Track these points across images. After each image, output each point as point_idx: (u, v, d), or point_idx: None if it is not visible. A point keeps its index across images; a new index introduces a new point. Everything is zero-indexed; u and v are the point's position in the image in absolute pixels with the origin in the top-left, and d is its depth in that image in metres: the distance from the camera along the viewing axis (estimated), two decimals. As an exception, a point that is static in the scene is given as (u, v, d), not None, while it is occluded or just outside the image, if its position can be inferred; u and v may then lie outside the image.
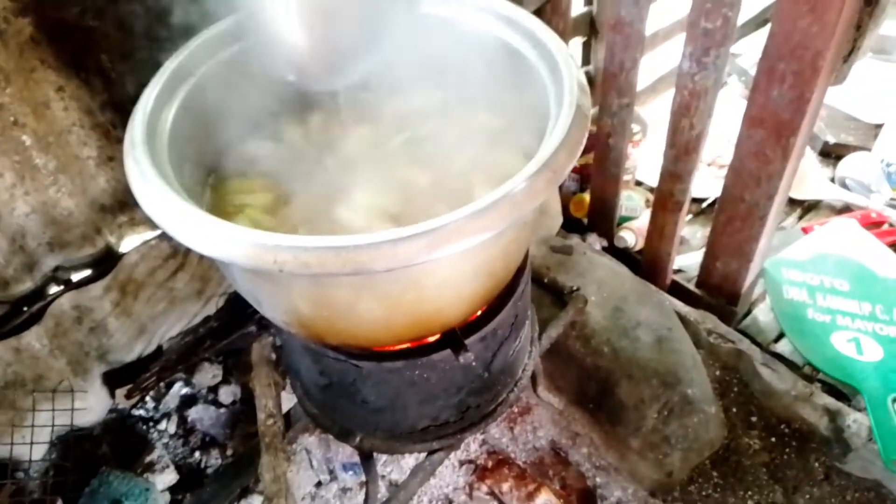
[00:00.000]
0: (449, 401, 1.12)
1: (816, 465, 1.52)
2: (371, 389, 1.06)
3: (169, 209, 0.77)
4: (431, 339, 1.03)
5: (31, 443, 1.43)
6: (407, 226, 0.72)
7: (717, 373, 1.64)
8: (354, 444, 1.18)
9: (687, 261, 1.96)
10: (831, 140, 2.31)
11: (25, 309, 1.45)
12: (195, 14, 1.22)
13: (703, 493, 1.52)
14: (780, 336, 1.75)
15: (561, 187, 2.00)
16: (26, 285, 1.41)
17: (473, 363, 1.07)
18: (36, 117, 1.25)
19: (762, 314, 1.82)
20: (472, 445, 1.63)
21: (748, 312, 1.83)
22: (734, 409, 1.60)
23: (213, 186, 1.05)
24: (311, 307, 0.87)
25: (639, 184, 2.17)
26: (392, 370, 1.02)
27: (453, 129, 1.08)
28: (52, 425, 1.46)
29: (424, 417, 1.14)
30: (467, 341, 1.01)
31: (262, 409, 1.19)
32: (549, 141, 0.81)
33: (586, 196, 1.99)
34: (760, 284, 1.84)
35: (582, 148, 0.83)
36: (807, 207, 2.17)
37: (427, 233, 0.72)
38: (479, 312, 1.06)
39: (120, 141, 1.36)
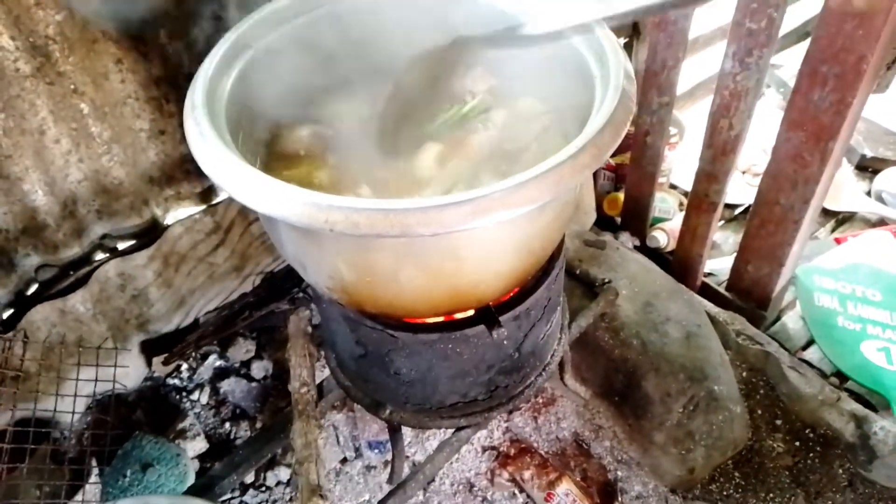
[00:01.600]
0: (479, 378, 1.14)
1: (840, 471, 1.52)
2: (404, 361, 1.09)
3: (227, 167, 0.80)
4: (466, 314, 1.06)
5: (74, 400, 1.47)
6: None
7: (744, 374, 1.65)
8: (384, 417, 1.21)
9: (718, 265, 1.96)
10: (869, 154, 2.30)
11: (72, 273, 1.50)
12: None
13: (724, 493, 1.52)
14: (809, 344, 1.75)
15: (596, 185, 2.02)
16: (74, 250, 1.46)
17: (505, 341, 1.10)
18: (94, 87, 1.30)
19: (792, 321, 1.81)
20: (495, 433, 1.66)
21: (777, 318, 1.83)
22: (759, 411, 1.60)
23: (263, 159, 1.09)
24: (355, 272, 0.90)
25: (673, 187, 2.18)
26: (426, 342, 1.05)
27: (500, 113, 1.11)
28: (92, 390, 1.50)
29: (454, 393, 1.16)
30: (501, 319, 1.04)
31: (297, 377, 1.22)
32: (594, 120, 0.84)
33: (620, 195, 2.01)
34: (791, 292, 1.84)
35: (626, 129, 0.85)
36: (841, 219, 2.17)
37: (472, 200, 0.74)
38: (513, 292, 1.08)
39: (172, 115, 1.43)
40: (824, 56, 1.29)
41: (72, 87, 1.28)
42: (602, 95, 0.89)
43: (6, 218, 1.33)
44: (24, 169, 1.29)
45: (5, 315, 1.42)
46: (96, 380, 1.47)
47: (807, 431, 1.56)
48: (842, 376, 1.64)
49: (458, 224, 0.74)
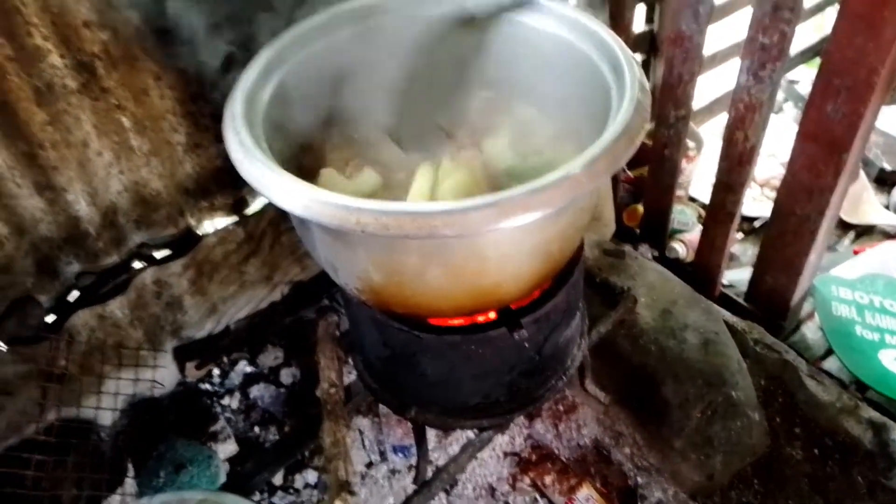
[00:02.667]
0: (500, 379, 1.19)
1: (860, 479, 1.53)
2: (430, 362, 1.14)
3: (265, 174, 0.86)
4: (489, 316, 1.10)
5: (113, 406, 1.53)
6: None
7: (763, 382, 1.66)
8: (410, 417, 1.25)
9: (737, 276, 1.99)
10: (887, 167, 2.31)
11: (111, 280, 1.57)
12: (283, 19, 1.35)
13: (743, 500, 1.54)
14: (828, 353, 1.76)
15: (615, 197, 2.05)
16: (113, 259, 1.53)
17: (526, 343, 1.14)
18: (136, 102, 1.38)
19: (810, 331, 1.83)
20: (517, 439, 1.69)
21: (796, 328, 1.85)
22: (778, 419, 1.62)
23: (298, 164, 1.15)
24: (383, 273, 0.96)
25: (692, 199, 2.22)
26: (451, 343, 1.10)
27: (517, 123, 1.17)
28: (129, 393, 1.57)
29: (476, 394, 1.21)
30: (522, 321, 1.08)
31: (326, 379, 1.27)
32: (609, 129, 0.89)
33: (640, 207, 2.04)
34: (809, 303, 1.86)
35: (640, 139, 0.90)
36: (860, 232, 2.18)
37: (495, 203, 0.79)
38: (534, 295, 1.12)
39: (207, 129, 1.50)
40: (836, 69, 1.32)
41: (115, 102, 1.35)
42: (618, 106, 0.94)
43: (51, 227, 1.40)
44: (69, 180, 1.37)
45: (48, 319, 1.49)
46: (136, 380, 1.53)
47: (826, 439, 1.58)
48: (861, 385, 1.65)
49: (481, 226, 0.79)
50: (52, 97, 1.27)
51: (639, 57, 2.06)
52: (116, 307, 1.54)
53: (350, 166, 1.14)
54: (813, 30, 2.65)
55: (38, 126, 1.27)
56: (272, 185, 0.84)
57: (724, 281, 1.92)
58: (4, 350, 1.40)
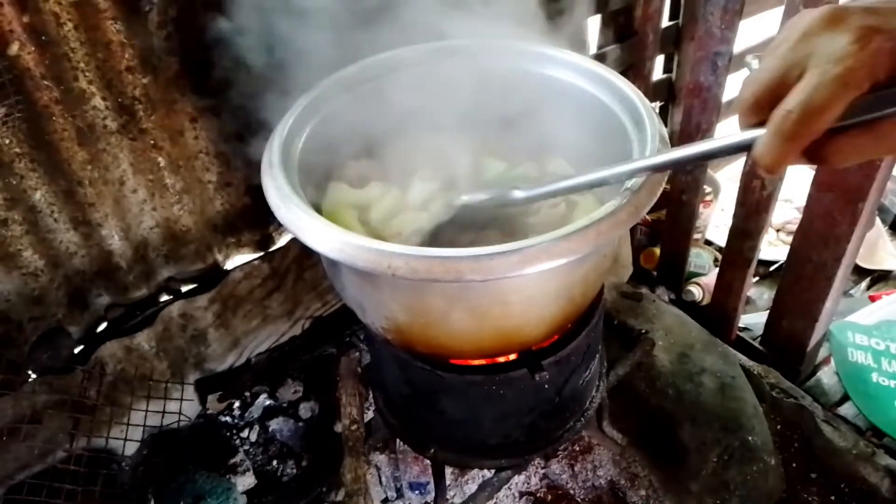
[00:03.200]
0: (520, 420, 1.21)
1: (877, 527, 1.53)
2: (451, 401, 1.16)
3: (303, 219, 0.89)
4: (510, 357, 1.13)
5: (137, 437, 1.56)
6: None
7: (779, 427, 1.67)
8: (429, 455, 1.27)
9: (753, 320, 2.01)
10: (904, 214, 2.34)
11: (139, 313, 1.61)
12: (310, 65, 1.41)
13: (760, 546, 1.54)
14: (844, 399, 1.77)
15: (633, 240, 2.09)
16: (142, 292, 1.58)
17: (546, 385, 1.16)
18: (171, 143, 1.43)
19: (826, 377, 1.84)
20: (532, 479, 1.70)
21: (812, 374, 1.86)
22: (794, 464, 1.62)
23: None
24: (410, 314, 0.99)
25: (708, 243, 2.24)
26: (472, 383, 1.12)
27: (541, 174, 1.21)
28: (154, 424, 1.59)
29: (496, 434, 1.23)
30: (543, 363, 1.11)
31: (347, 415, 1.30)
32: (631, 181, 0.92)
33: (657, 250, 2.07)
34: (825, 348, 1.87)
35: (660, 189, 0.93)
36: (876, 278, 2.20)
37: (521, 250, 0.82)
38: (555, 338, 1.15)
39: (238, 169, 1.54)
40: (851, 121, 1.35)
41: (151, 142, 1.40)
42: (639, 157, 0.98)
43: (84, 261, 1.45)
44: (104, 216, 1.41)
45: (77, 350, 1.53)
46: (162, 413, 1.56)
47: (842, 486, 1.58)
48: (879, 432, 1.66)
49: (506, 271, 0.83)
50: (92, 137, 1.33)
51: (657, 104, 2.11)
52: (143, 339, 1.58)
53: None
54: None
55: (79, 164, 1.33)
56: (308, 229, 0.88)
57: (741, 324, 1.94)
58: (35, 379, 1.44)
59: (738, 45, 1.57)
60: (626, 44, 1.83)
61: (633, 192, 0.89)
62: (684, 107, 1.68)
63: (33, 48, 1.18)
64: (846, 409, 1.74)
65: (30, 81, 1.21)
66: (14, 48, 1.16)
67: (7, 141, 1.24)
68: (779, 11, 1.39)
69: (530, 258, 0.83)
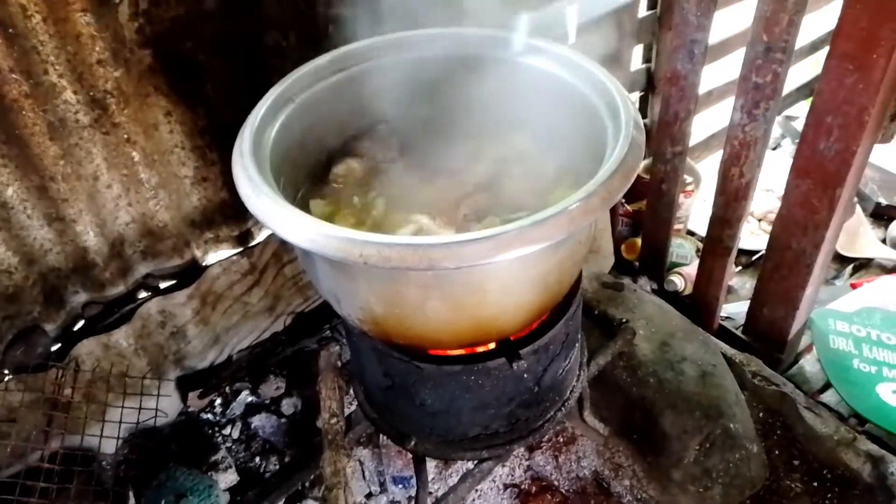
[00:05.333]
0: (500, 410, 1.20)
1: (859, 511, 1.54)
2: (429, 392, 1.16)
3: (272, 209, 0.88)
4: (489, 347, 1.12)
5: (116, 434, 1.54)
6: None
7: (761, 415, 1.67)
8: (409, 448, 1.26)
9: (735, 309, 2.01)
10: (884, 202, 2.35)
11: (116, 310, 1.60)
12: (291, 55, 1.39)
13: (743, 533, 1.54)
14: (826, 387, 1.78)
15: (614, 231, 2.08)
16: (119, 289, 1.56)
17: (525, 374, 1.16)
18: (146, 137, 1.41)
19: (809, 364, 1.85)
20: (517, 471, 1.70)
21: (794, 362, 1.86)
22: (776, 452, 1.62)
23: (300, 203, 1.18)
24: (384, 304, 0.98)
25: (691, 233, 2.25)
26: (450, 373, 1.12)
27: (518, 162, 1.20)
28: (131, 422, 1.58)
29: (476, 425, 1.22)
30: (521, 352, 1.10)
31: (327, 409, 1.29)
32: (605, 166, 0.92)
33: (638, 240, 2.07)
34: (807, 336, 1.88)
35: (634, 175, 0.93)
36: (857, 266, 2.21)
37: (493, 237, 0.82)
38: (533, 327, 1.14)
39: (214, 163, 1.53)
40: (828, 108, 1.36)
41: (125, 136, 1.39)
42: (613, 144, 0.97)
43: (59, 257, 1.43)
44: (78, 212, 1.40)
45: (54, 348, 1.51)
46: (139, 409, 1.54)
47: (824, 472, 1.58)
48: (861, 419, 1.66)
49: (479, 258, 0.82)
50: (64, 132, 1.31)
51: (637, 94, 2.11)
52: (121, 336, 1.56)
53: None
54: (811, 67, 2.70)
55: (51, 159, 1.31)
56: (278, 218, 0.87)
57: (723, 314, 1.94)
58: (10, 378, 1.42)
59: (715, 35, 1.57)
60: (605, 33, 1.83)
61: (606, 179, 0.89)
62: (662, 95, 1.68)
63: (0, 41, 1.16)
64: (829, 397, 1.75)
65: (-3, 75, 1.19)
66: (-20, 41, 1.15)
67: (-24, 137, 1.22)
68: (754, 3, 1.39)
69: (503, 245, 0.82)
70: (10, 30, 1.17)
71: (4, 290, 1.38)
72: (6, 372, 1.42)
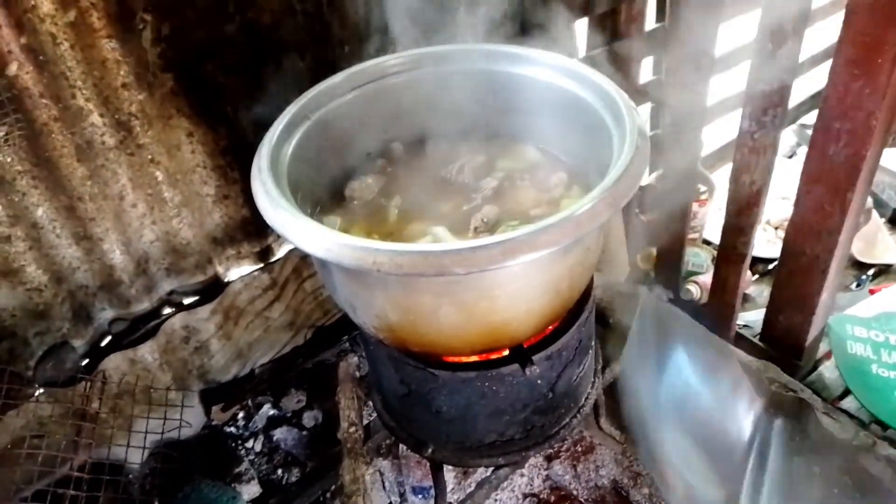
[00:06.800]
0: (515, 417, 1.22)
1: (881, 518, 1.52)
2: (445, 399, 1.18)
3: (290, 220, 0.92)
4: (502, 353, 1.15)
5: (142, 446, 1.58)
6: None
7: (779, 422, 1.67)
8: (427, 455, 1.29)
9: (753, 317, 2.01)
10: (902, 207, 2.34)
11: (142, 326, 1.64)
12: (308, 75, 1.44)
13: (764, 540, 1.54)
14: (846, 393, 1.77)
15: (629, 241, 2.10)
16: (144, 305, 1.60)
17: (539, 380, 1.18)
18: (169, 157, 1.47)
19: (828, 371, 1.84)
20: (535, 480, 1.71)
21: (813, 369, 1.86)
22: (795, 458, 1.62)
23: (317, 218, 1.22)
24: (399, 312, 1.01)
25: (706, 242, 2.25)
26: (465, 380, 1.14)
27: (528, 173, 1.23)
28: (156, 435, 1.61)
29: (492, 432, 1.24)
30: (534, 358, 1.12)
31: (346, 418, 1.32)
32: (611, 173, 0.94)
33: (653, 250, 2.08)
34: (825, 343, 1.87)
35: (639, 182, 0.96)
36: (876, 272, 2.20)
37: (502, 243, 0.85)
38: (545, 333, 1.17)
39: (235, 182, 1.58)
40: (835, 113, 1.37)
41: (149, 157, 1.44)
42: (619, 152, 1.00)
43: (87, 275, 1.48)
44: (105, 230, 1.45)
45: (81, 363, 1.56)
46: (164, 420, 1.58)
47: (844, 478, 1.57)
48: (882, 424, 1.65)
49: (489, 264, 0.85)
50: (91, 153, 1.36)
51: (647, 106, 2.13)
52: (147, 351, 1.61)
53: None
54: (826, 75, 2.70)
55: (79, 180, 1.36)
56: (295, 230, 0.91)
57: (740, 322, 1.94)
58: (41, 392, 1.47)
59: (724, 46, 1.59)
60: (614, 47, 1.86)
61: (611, 185, 0.91)
62: (672, 106, 1.70)
63: (31, 68, 1.22)
64: (848, 403, 1.74)
65: (29, 100, 1.25)
66: (13, 68, 1.20)
67: (9, 159, 1.27)
68: (757, 14, 1.41)
69: (512, 250, 0.85)
70: (41, 57, 1.22)
71: (35, 307, 1.43)
72: (37, 386, 1.47)
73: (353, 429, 1.30)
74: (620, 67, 1.83)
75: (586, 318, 1.22)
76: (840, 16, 1.35)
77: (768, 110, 1.47)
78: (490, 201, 1.20)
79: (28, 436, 1.35)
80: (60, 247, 1.41)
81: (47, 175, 1.33)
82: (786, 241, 1.63)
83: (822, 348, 1.88)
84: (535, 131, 1.27)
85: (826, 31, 2.24)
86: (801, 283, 1.64)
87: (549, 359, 1.16)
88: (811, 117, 2.74)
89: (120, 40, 1.30)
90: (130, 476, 1.63)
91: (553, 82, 1.21)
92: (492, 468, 1.33)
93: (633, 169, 0.95)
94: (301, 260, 1.78)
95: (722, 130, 2.41)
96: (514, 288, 0.97)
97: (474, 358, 1.15)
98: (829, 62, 1.32)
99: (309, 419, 1.82)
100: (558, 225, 0.87)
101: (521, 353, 1.12)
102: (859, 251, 2.17)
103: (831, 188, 1.46)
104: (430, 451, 1.28)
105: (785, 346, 1.79)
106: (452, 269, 0.84)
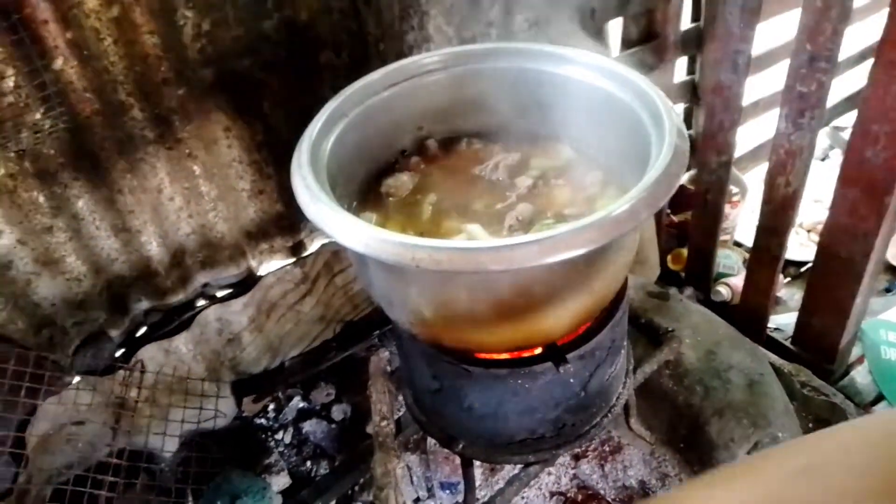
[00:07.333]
0: (546, 415, 1.22)
1: (913, 526, 1.50)
2: (477, 395, 1.19)
3: (330, 215, 0.93)
4: (536, 351, 1.15)
5: (176, 435, 1.61)
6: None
7: (810, 425, 1.66)
8: (457, 451, 1.29)
9: (784, 320, 2.00)
10: (938, 212, 2.30)
11: (176, 317, 1.67)
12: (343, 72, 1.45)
13: (793, 545, 1.52)
14: (878, 399, 1.75)
15: (660, 241, 2.09)
16: (179, 297, 1.63)
17: (571, 379, 1.18)
18: (206, 151, 1.49)
19: (860, 376, 1.82)
20: (563, 479, 1.71)
21: (846, 373, 1.84)
22: (827, 463, 1.60)
23: (359, 204, 1.24)
24: (434, 308, 1.02)
25: (737, 244, 2.24)
26: (498, 377, 1.15)
27: (563, 172, 1.23)
28: (190, 425, 1.64)
29: (523, 429, 1.24)
30: (568, 356, 1.12)
31: (377, 412, 1.33)
32: (649, 173, 0.94)
33: (684, 251, 2.08)
34: (858, 348, 1.85)
35: (678, 182, 0.95)
36: (913, 276, 2.17)
37: (541, 241, 0.85)
38: (580, 331, 1.17)
39: (270, 177, 1.60)
40: (874, 116, 1.36)
41: (187, 151, 1.46)
42: (657, 152, 1.00)
43: (124, 266, 1.51)
44: (143, 223, 1.48)
45: (117, 354, 1.59)
46: (200, 409, 1.61)
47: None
48: (915, 431, 1.63)
49: (527, 261, 0.85)
50: (131, 147, 1.39)
51: (681, 106, 2.12)
52: (181, 342, 1.64)
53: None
54: (859, 77, 2.67)
55: (119, 173, 1.39)
56: (335, 224, 0.92)
57: (772, 325, 1.93)
58: (79, 381, 1.50)
59: (758, 47, 1.58)
60: (648, 46, 1.85)
61: (650, 185, 0.91)
62: (706, 106, 1.69)
63: (76, 62, 1.25)
64: (881, 408, 1.72)
65: (73, 94, 1.27)
66: (59, 62, 1.23)
67: (52, 151, 1.30)
68: (797, 13, 1.40)
69: (550, 248, 0.85)
70: (85, 52, 1.25)
71: (74, 297, 1.46)
72: (74, 374, 1.50)
73: (384, 422, 1.31)
74: (654, 67, 1.82)
75: (620, 318, 1.22)
76: (879, 16, 1.34)
77: (805, 112, 1.46)
78: (524, 199, 1.20)
79: (68, 422, 1.38)
80: (99, 238, 1.44)
81: (88, 167, 1.36)
82: (820, 244, 1.62)
83: (855, 353, 1.86)
84: (571, 130, 1.27)
85: (861, 32, 2.21)
86: (836, 286, 1.63)
87: (582, 358, 1.16)
88: (844, 120, 2.71)
89: (161, 36, 1.32)
90: (163, 465, 1.66)
91: (589, 81, 1.20)
92: (521, 465, 1.33)
93: (671, 169, 0.94)
94: (332, 255, 1.80)
95: (754, 131, 2.40)
96: (551, 286, 0.97)
97: (506, 355, 1.16)
98: (865, 64, 1.32)
99: (338, 412, 1.84)
100: (597, 224, 0.86)
101: (556, 352, 1.12)
102: (893, 256, 2.15)
103: (868, 191, 1.45)
104: (460, 446, 1.29)
105: (817, 350, 1.78)
106: (490, 267, 0.85)
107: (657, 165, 0.95)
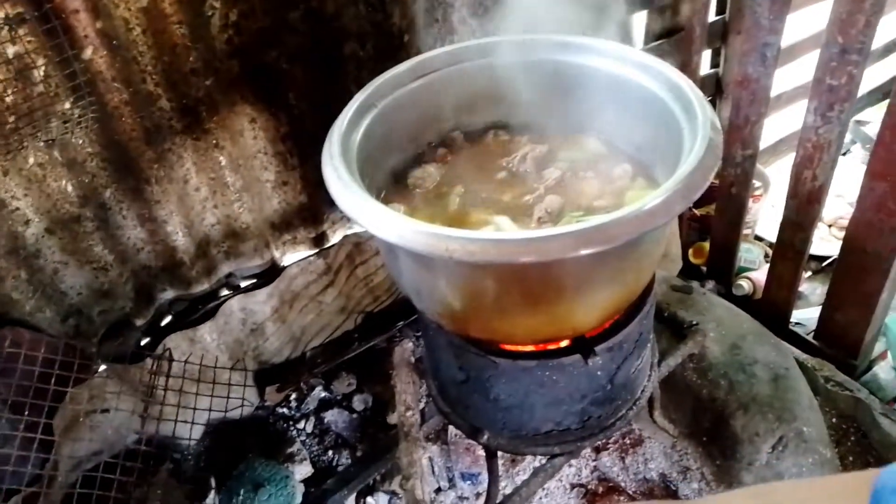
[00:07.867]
0: (572, 407, 1.22)
1: (937, 522, 1.50)
2: (504, 387, 1.19)
3: (362, 206, 0.93)
4: (563, 343, 1.15)
5: (201, 423, 1.62)
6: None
7: (834, 420, 1.65)
8: (482, 442, 1.30)
9: (805, 315, 1.98)
10: (964, 207, 2.28)
11: (201, 307, 1.68)
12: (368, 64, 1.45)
13: (816, 539, 1.52)
14: (902, 394, 1.74)
15: (682, 235, 2.08)
16: (204, 287, 1.64)
17: (599, 371, 1.18)
18: (232, 142, 1.49)
19: (884, 371, 1.81)
20: (583, 471, 1.71)
21: (868, 368, 1.83)
22: (850, 458, 1.60)
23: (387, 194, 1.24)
24: (464, 298, 1.02)
25: (759, 238, 2.23)
26: (525, 369, 1.15)
27: (591, 164, 1.23)
28: (217, 412, 1.65)
29: (549, 421, 1.24)
30: (596, 349, 1.12)
31: (402, 402, 1.34)
32: (683, 166, 0.94)
33: (706, 244, 2.07)
34: (882, 343, 1.84)
35: (712, 175, 0.95)
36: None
37: (574, 233, 0.85)
38: (608, 324, 1.17)
39: (294, 168, 1.60)
40: (906, 109, 1.35)
41: (213, 142, 1.47)
42: (690, 145, 0.99)
43: (150, 256, 1.52)
44: (169, 213, 1.48)
45: (143, 342, 1.61)
46: (227, 398, 1.62)
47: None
48: (939, 428, 1.63)
49: (560, 253, 0.85)
50: (159, 137, 1.39)
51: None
52: (206, 332, 1.65)
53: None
54: (881, 71, 2.64)
55: (146, 163, 1.40)
56: (368, 215, 0.92)
57: (793, 320, 1.92)
58: (105, 369, 1.51)
59: (787, 38, 1.56)
60: (673, 39, 1.84)
61: (685, 177, 0.91)
62: (733, 99, 1.68)
63: (105, 52, 1.25)
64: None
65: (102, 84, 1.28)
66: (88, 52, 1.24)
67: (80, 141, 1.31)
68: (828, 5, 1.38)
69: (584, 240, 0.85)
70: (114, 42, 1.26)
71: (101, 286, 1.47)
72: (100, 362, 1.51)
73: (409, 412, 1.31)
74: (680, 59, 1.81)
75: (647, 312, 1.22)
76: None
77: (835, 105, 1.45)
78: (553, 191, 1.20)
79: (96, 410, 1.40)
80: (126, 227, 1.45)
81: (116, 157, 1.37)
82: (846, 239, 1.61)
83: (878, 348, 1.85)
84: (599, 122, 1.27)
85: (886, 25, 2.19)
86: (861, 280, 1.62)
87: (610, 350, 1.16)
88: (867, 114, 2.69)
89: (189, 26, 1.32)
90: (188, 453, 1.68)
91: (619, 73, 1.20)
92: (545, 457, 1.34)
93: (706, 162, 0.94)
94: (354, 247, 1.80)
95: (776, 125, 2.38)
96: (582, 279, 0.97)
97: (535, 347, 1.16)
98: (889, 58, 1.30)
99: (359, 403, 1.85)
100: (631, 216, 0.86)
101: (584, 344, 1.12)
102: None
103: (896, 185, 1.44)
104: (485, 437, 1.29)
105: (840, 345, 1.77)
106: (523, 259, 0.85)
107: (691, 158, 0.94)
